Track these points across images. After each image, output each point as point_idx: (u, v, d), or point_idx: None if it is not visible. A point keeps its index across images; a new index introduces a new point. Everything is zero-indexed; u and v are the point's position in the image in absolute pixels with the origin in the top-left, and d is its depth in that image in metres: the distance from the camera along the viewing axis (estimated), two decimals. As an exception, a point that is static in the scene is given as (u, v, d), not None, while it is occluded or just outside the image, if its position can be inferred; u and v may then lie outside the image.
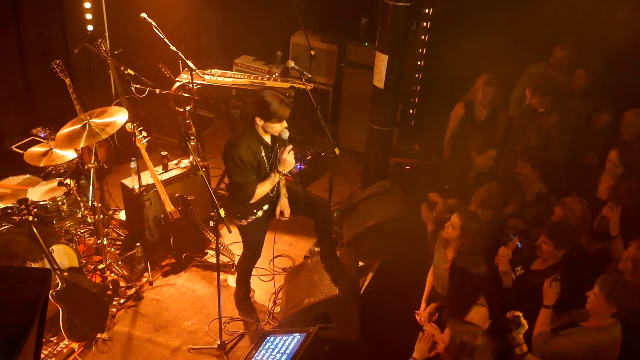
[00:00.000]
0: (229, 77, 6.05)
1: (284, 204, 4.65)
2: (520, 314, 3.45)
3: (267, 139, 4.35)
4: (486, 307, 3.79)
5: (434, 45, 6.30)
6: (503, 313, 3.55)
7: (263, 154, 4.33)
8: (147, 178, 5.40)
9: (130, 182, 5.49)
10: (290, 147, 4.31)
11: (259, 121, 4.20)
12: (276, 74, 6.22)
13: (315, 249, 5.79)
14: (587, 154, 5.17)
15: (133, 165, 5.32)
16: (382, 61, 5.76)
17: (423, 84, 6.49)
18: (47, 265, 4.44)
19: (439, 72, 6.40)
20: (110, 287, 5.07)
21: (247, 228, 4.62)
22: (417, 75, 6.43)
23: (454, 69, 6.21)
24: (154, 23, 5.13)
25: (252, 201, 4.35)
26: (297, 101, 5.78)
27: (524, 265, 4.26)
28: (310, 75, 5.35)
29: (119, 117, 5.02)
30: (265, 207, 4.58)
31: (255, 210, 4.52)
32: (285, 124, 4.22)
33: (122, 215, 5.99)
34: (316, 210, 4.87)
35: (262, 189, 4.35)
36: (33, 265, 4.46)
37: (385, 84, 5.84)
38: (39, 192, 5.11)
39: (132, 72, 5.42)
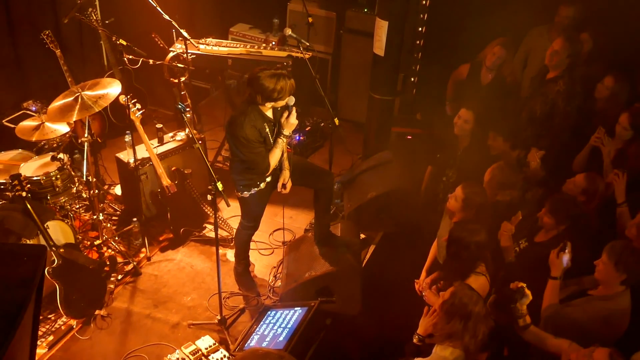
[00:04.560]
0: (224, 47, 6.00)
1: (285, 177, 4.67)
2: (524, 285, 3.47)
3: (269, 113, 4.37)
4: (486, 276, 3.80)
5: (435, 10, 6.24)
6: (507, 285, 3.56)
7: (267, 129, 4.36)
8: (142, 151, 5.38)
9: (125, 155, 5.48)
10: (294, 110, 4.35)
11: (268, 104, 4.24)
12: (273, 43, 6.16)
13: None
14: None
15: (128, 138, 5.30)
16: (382, 28, 5.70)
17: (425, 51, 6.43)
18: (43, 242, 4.45)
19: (441, 38, 6.34)
20: (108, 263, 5.10)
21: (249, 200, 4.64)
22: (418, 42, 6.37)
23: (456, 35, 6.16)
24: (145, -10, 5.06)
25: (268, 172, 4.45)
26: (295, 70, 5.74)
27: (528, 237, 4.27)
28: (308, 44, 5.30)
29: (112, 89, 4.98)
30: (268, 178, 4.60)
31: (258, 182, 4.55)
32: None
33: (117, 190, 6.00)
34: (319, 181, 4.88)
35: (275, 157, 4.43)
36: (28, 242, 4.47)
37: (386, 51, 5.79)
38: (32, 167, 5.09)
39: (124, 43, 5.36)
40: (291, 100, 4.29)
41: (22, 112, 5.89)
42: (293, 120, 4.36)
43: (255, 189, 4.56)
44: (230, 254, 5.49)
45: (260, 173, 4.46)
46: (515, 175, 4.66)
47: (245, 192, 4.57)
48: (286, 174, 4.67)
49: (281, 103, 4.26)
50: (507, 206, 4.55)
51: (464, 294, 3.25)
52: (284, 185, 4.70)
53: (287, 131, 4.39)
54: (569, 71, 5.09)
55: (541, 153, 4.79)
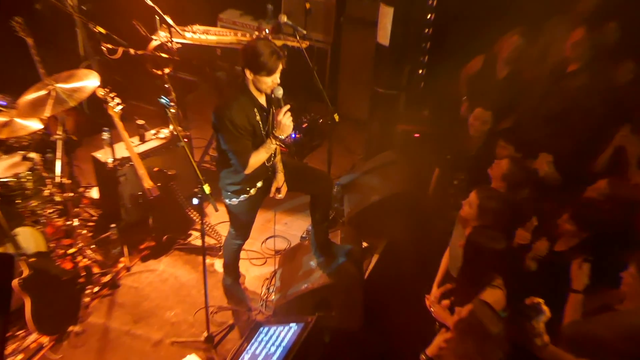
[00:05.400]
0: (213, 35, 6.00)
1: (280, 181, 4.63)
2: (542, 301, 3.44)
3: (262, 100, 4.28)
4: (503, 290, 3.79)
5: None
6: (522, 300, 3.54)
7: (258, 117, 4.25)
8: (121, 150, 5.37)
9: (103, 155, 5.45)
10: (287, 107, 4.19)
11: (249, 74, 4.11)
12: (267, 31, 6.16)
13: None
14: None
15: (106, 136, 5.28)
16: (387, 15, 5.71)
17: (433, 41, 6.42)
18: (11, 250, 4.42)
19: (452, 27, 6.32)
20: (83, 273, 5.08)
21: (238, 208, 4.60)
22: (426, 31, 6.36)
23: (468, 23, 6.14)
24: (126, -27, 5.05)
25: (247, 172, 4.29)
26: (291, 62, 5.71)
27: (547, 246, 4.26)
28: (305, 32, 5.31)
29: (88, 81, 4.99)
30: (259, 184, 4.55)
31: (248, 188, 4.50)
32: (277, 79, 4.13)
33: (94, 193, 5.99)
34: (316, 186, 4.83)
35: (257, 158, 4.28)
36: (-5, 250, 4.46)
37: (391, 41, 5.80)
38: (0, 168, 5.06)
39: (102, 30, 5.34)
40: (277, 90, 4.16)
41: (-11, 107, 5.88)
42: (286, 121, 4.18)
43: (245, 195, 4.51)
44: (218, 264, 5.49)
45: (239, 168, 4.28)
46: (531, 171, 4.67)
47: (234, 199, 4.52)
48: (281, 178, 4.63)
49: (262, 81, 4.10)
50: (522, 211, 4.54)
51: (484, 314, 3.23)
52: (278, 190, 4.65)
53: (279, 133, 4.22)
54: (590, 64, 5.08)
55: (550, 159, 4.77)
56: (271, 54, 4.02)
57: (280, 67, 4.10)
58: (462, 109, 6.09)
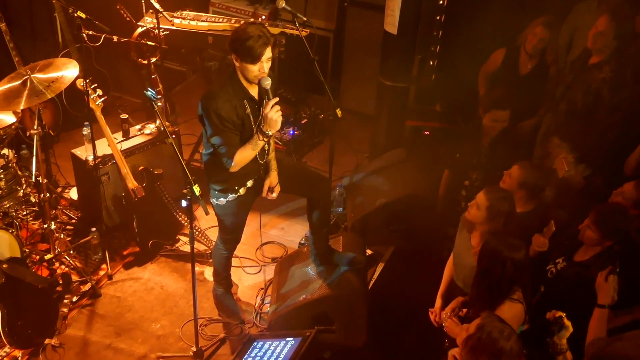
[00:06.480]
0: (204, 21, 5.99)
1: (273, 180, 4.64)
2: (564, 315, 3.46)
3: (254, 91, 4.29)
4: (522, 304, 3.80)
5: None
6: (541, 314, 3.56)
7: (248, 109, 4.26)
8: (103, 147, 5.40)
9: (83, 152, 5.49)
10: (274, 100, 4.16)
11: (236, 61, 4.14)
12: (263, 17, 6.19)
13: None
14: None
15: (86, 131, 5.31)
16: (395, 0, 5.71)
17: (446, 28, 6.42)
18: (-18, 256, 4.46)
19: (467, 13, 6.33)
20: (61, 282, 5.10)
21: (226, 208, 4.61)
22: (439, 18, 6.36)
23: (486, 10, 6.15)
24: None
25: (234, 169, 4.29)
26: (290, 51, 5.75)
27: (567, 255, 4.28)
28: (305, 18, 5.30)
29: (67, 71, 4.98)
30: (249, 183, 4.56)
31: (236, 187, 4.51)
32: (264, 67, 4.12)
33: (73, 194, 6.01)
34: (312, 188, 4.85)
35: (243, 155, 4.25)
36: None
37: (399, 28, 5.80)
38: (-30, 166, 5.11)
39: (83, 15, 5.36)
40: (264, 80, 4.13)
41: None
42: (273, 116, 4.12)
43: (233, 195, 4.51)
44: (208, 273, 5.50)
45: (226, 165, 4.26)
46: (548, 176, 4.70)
47: (221, 199, 4.53)
48: (274, 176, 4.64)
49: (248, 69, 4.10)
50: (539, 215, 4.57)
51: (494, 328, 3.23)
52: (270, 189, 4.65)
53: (266, 128, 4.18)
54: (616, 55, 5.09)
55: (571, 159, 4.79)
56: (258, 38, 4.01)
57: (268, 55, 4.11)
58: (480, 111, 6.06)
